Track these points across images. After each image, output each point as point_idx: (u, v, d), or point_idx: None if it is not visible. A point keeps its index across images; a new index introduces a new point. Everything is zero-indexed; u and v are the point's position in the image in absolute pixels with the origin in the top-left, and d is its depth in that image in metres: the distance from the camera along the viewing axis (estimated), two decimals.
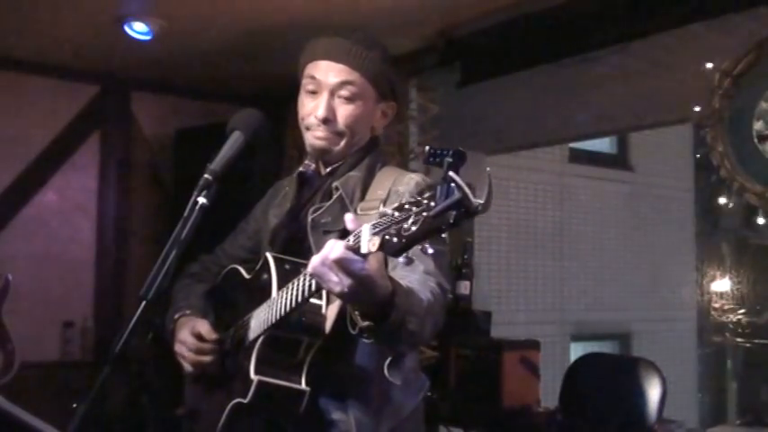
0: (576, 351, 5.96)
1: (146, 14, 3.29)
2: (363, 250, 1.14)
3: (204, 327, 1.70)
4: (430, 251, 1.12)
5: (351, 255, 1.18)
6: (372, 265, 1.20)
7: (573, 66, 3.43)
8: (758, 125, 2.74)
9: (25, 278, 3.62)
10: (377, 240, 1.10)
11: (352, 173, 1.67)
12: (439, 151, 1.12)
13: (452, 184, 1.05)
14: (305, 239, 1.63)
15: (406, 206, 1.09)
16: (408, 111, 3.83)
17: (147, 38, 3.39)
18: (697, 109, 2.89)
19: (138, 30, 3.35)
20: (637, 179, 7.08)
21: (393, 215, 1.10)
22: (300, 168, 1.78)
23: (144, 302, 1.31)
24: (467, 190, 1.05)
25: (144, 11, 3.28)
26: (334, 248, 1.20)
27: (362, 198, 1.63)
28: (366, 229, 1.13)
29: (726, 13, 2.71)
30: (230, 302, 1.74)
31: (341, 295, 1.26)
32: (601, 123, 5.07)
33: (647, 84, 3.86)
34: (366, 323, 1.29)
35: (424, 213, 1.06)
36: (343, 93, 1.65)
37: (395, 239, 1.09)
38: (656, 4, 2.85)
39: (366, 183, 1.66)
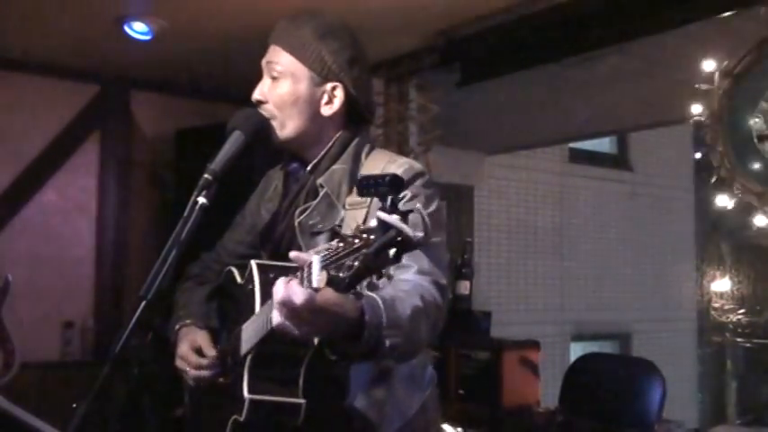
0: (576, 351, 5.96)
1: (146, 14, 3.29)
2: (314, 285, 1.08)
3: (204, 340, 1.66)
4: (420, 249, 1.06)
5: (306, 296, 1.12)
6: (327, 294, 1.14)
7: (573, 66, 3.43)
8: (758, 125, 2.74)
9: (25, 278, 3.61)
10: (324, 276, 1.06)
11: (335, 166, 1.60)
12: (373, 180, 1.06)
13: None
14: (294, 241, 1.58)
15: (349, 239, 1.04)
16: (408, 111, 3.83)
17: (147, 38, 3.39)
18: (697, 109, 2.88)
19: (138, 30, 3.35)
20: (637, 179, 7.08)
21: (337, 248, 1.05)
22: (285, 159, 1.72)
23: (144, 302, 1.31)
24: (400, 226, 1.00)
25: (144, 11, 3.27)
26: (292, 295, 1.13)
27: (350, 191, 1.56)
28: (316, 262, 1.07)
29: (726, 13, 2.71)
30: (231, 306, 1.70)
31: (315, 335, 1.25)
32: (601, 123, 5.08)
33: (647, 84, 3.86)
34: (335, 355, 1.27)
35: (364, 251, 1.01)
36: (271, 73, 1.62)
37: (340, 274, 1.04)
38: (656, 4, 2.85)
39: (353, 173, 1.58)
